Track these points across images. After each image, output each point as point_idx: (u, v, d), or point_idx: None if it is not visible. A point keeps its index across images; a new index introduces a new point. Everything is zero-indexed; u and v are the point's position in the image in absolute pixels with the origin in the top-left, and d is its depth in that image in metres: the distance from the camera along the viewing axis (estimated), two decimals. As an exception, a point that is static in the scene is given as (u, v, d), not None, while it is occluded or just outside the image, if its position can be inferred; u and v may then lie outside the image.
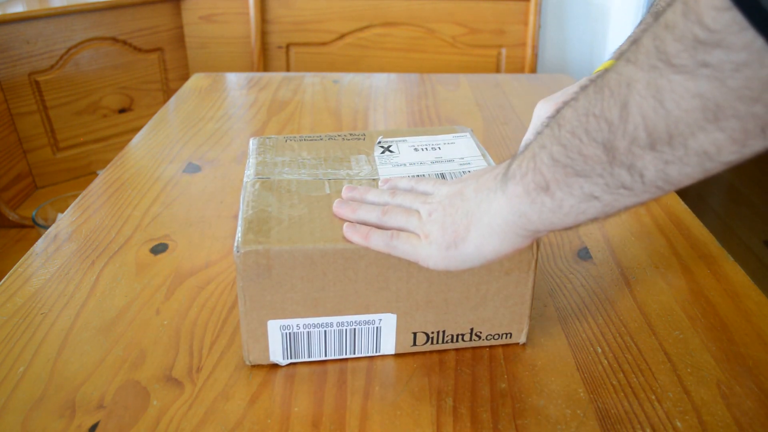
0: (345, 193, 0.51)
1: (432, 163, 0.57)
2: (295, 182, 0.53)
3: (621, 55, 0.31)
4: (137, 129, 0.99)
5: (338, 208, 0.49)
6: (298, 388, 0.48)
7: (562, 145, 0.34)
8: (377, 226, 0.47)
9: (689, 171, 0.30)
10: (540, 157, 0.36)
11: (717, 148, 0.28)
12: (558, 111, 0.36)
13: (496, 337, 0.51)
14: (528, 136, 0.63)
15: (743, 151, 0.28)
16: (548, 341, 0.53)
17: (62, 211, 0.97)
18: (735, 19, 0.25)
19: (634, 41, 0.31)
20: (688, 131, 0.28)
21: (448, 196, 0.45)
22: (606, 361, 0.51)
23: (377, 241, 0.45)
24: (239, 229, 0.46)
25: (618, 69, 0.31)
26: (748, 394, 0.48)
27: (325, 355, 0.50)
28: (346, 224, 0.47)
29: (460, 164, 0.56)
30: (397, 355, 0.51)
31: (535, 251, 0.48)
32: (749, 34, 0.25)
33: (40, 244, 0.66)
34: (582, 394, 0.47)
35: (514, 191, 0.38)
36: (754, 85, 0.26)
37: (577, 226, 0.37)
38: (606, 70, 0.32)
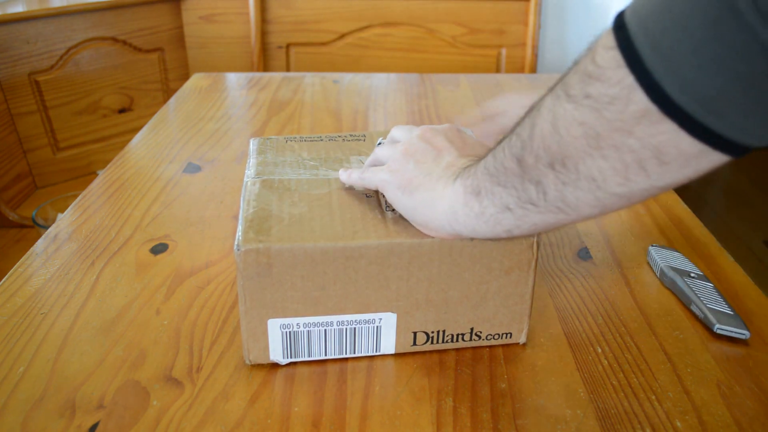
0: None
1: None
2: (296, 181, 0.53)
3: None
4: (137, 129, 0.99)
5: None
6: (298, 387, 0.48)
7: (494, 157, 0.39)
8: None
9: (582, 195, 0.34)
10: (480, 166, 0.41)
11: (603, 176, 0.32)
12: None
13: (496, 336, 0.51)
14: None
15: (629, 185, 0.32)
16: (548, 341, 0.53)
17: (62, 211, 0.97)
18: (615, 57, 0.30)
19: None
20: (576, 155, 0.33)
21: (426, 141, 0.48)
22: (606, 361, 0.51)
23: (353, 175, 0.51)
24: (240, 227, 0.46)
25: (543, 96, 0.35)
26: (748, 394, 0.48)
27: (325, 355, 0.50)
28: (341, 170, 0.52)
29: (460, 164, 0.56)
30: (397, 355, 0.51)
31: (535, 251, 0.48)
32: (622, 71, 0.29)
33: (40, 244, 0.66)
34: (582, 394, 0.47)
35: (456, 189, 0.43)
36: (625, 118, 0.30)
37: (492, 238, 0.45)
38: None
